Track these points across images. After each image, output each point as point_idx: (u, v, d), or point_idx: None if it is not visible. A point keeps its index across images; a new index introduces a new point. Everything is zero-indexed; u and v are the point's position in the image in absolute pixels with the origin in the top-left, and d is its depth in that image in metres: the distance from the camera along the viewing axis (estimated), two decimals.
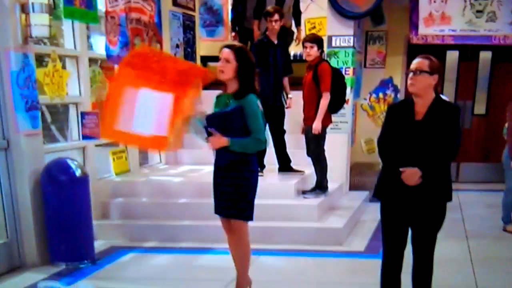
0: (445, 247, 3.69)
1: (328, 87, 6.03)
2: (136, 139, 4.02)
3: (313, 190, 6.35)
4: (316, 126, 6.03)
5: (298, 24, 7.79)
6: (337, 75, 6.25)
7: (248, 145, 3.92)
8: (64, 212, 5.11)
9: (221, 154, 3.97)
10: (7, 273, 5.00)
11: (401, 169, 3.43)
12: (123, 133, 3.90)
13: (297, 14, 7.72)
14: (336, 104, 6.23)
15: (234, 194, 3.97)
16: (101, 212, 6.21)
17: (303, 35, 8.06)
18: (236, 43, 4.26)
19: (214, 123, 3.90)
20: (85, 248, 5.27)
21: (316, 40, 6.16)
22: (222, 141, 3.87)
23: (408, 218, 3.56)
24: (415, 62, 3.49)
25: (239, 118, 3.87)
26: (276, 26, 6.39)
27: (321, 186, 6.35)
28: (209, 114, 3.96)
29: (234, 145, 3.88)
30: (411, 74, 3.48)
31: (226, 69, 3.90)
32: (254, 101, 3.93)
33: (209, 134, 3.91)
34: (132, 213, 6.22)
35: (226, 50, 3.93)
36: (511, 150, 6.02)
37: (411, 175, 3.40)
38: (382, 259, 3.74)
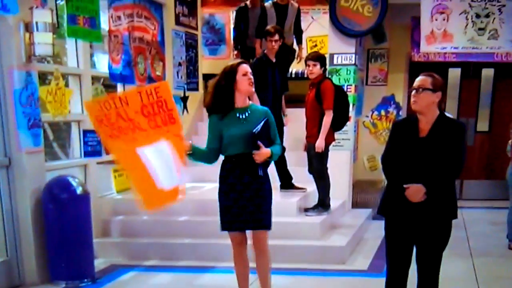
0: (450, 266, 3.60)
1: (331, 105, 6.00)
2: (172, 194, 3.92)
3: (315, 208, 6.27)
4: (319, 144, 5.99)
5: (299, 42, 7.81)
6: (340, 92, 6.22)
7: (278, 152, 4.12)
8: (65, 230, 5.05)
9: (253, 167, 3.99)
10: None
11: (405, 186, 3.38)
12: (165, 193, 3.84)
13: (298, 33, 7.75)
14: (339, 121, 6.20)
15: (266, 205, 4.08)
16: (102, 230, 6.14)
17: (304, 53, 8.08)
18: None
19: (261, 138, 3.98)
20: (85, 266, 5.19)
21: (319, 58, 6.16)
22: (267, 152, 3.99)
23: (413, 235, 3.50)
24: (418, 80, 3.48)
25: (268, 129, 4.05)
26: (276, 45, 6.39)
27: (323, 203, 6.28)
28: (256, 131, 3.98)
29: (274, 155, 4.06)
30: (414, 92, 3.46)
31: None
32: (270, 112, 4.18)
33: (254, 148, 3.94)
34: (133, 231, 6.15)
35: (247, 65, 4.10)
36: None
37: (416, 191, 3.35)
38: (386, 278, 3.67)
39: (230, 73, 4.02)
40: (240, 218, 4.03)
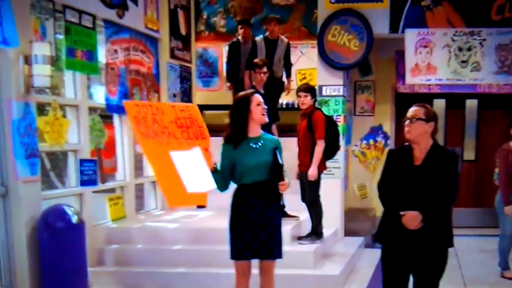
0: None
1: (322, 134, 5.98)
2: (198, 198, 3.94)
3: (308, 236, 6.17)
4: (312, 172, 5.94)
5: (288, 75, 7.90)
6: (330, 122, 6.22)
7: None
8: (60, 259, 4.91)
9: (268, 196, 3.96)
10: None
11: (401, 213, 3.34)
12: (189, 195, 3.82)
13: (288, 66, 7.83)
14: (330, 150, 6.17)
15: (278, 234, 4.06)
16: (97, 258, 5.99)
17: (294, 84, 8.13)
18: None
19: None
20: None
21: (309, 89, 6.18)
22: (289, 183, 4.00)
23: (409, 263, 3.43)
24: (412, 110, 3.49)
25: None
26: (264, 77, 6.43)
27: (316, 232, 6.18)
28: (281, 163, 3.97)
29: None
30: (407, 122, 3.47)
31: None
32: (280, 142, 4.22)
33: (279, 179, 3.91)
34: (127, 260, 6.00)
35: (259, 96, 4.14)
36: (504, 195, 5.92)
37: (412, 218, 3.32)
38: None
39: (244, 103, 4.01)
40: (252, 247, 3.95)
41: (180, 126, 3.80)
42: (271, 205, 3.98)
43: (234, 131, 4.02)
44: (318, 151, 5.97)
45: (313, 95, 6.16)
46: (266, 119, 4.09)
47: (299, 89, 6.26)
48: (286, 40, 7.73)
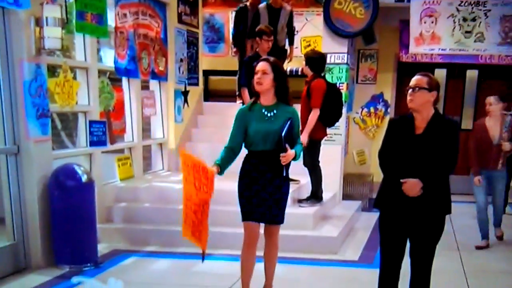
0: (438, 259, 3.50)
1: (317, 103, 5.85)
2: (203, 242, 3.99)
3: (308, 199, 6.17)
4: (302, 139, 5.80)
5: (291, 43, 7.71)
6: (333, 90, 6.10)
7: (300, 153, 3.96)
8: (70, 216, 4.93)
9: (278, 166, 3.86)
10: (13, 274, 4.81)
11: (402, 180, 3.29)
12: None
13: (291, 34, 7.64)
14: (332, 118, 6.07)
15: (284, 201, 4.00)
16: (105, 216, 6.02)
17: (297, 52, 7.97)
18: (268, 57, 4.22)
19: (287, 139, 3.83)
20: (88, 251, 5.08)
21: (307, 59, 6.02)
22: (293, 154, 3.86)
23: (407, 229, 3.41)
24: (414, 79, 3.38)
25: (292, 129, 3.89)
26: (270, 44, 6.30)
27: (316, 195, 6.17)
28: (283, 134, 3.82)
29: (297, 156, 3.92)
30: (410, 91, 3.36)
31: (265, 81, 3.86)
32: (297, 112, 4.02)
33: (281, 150, 3.80)
34: (135, 217, 6.03)
35: (263, 63, 3.94)
36: (473, 167, 5.94)
37: (412, 186, 3.27)
38: (379, 269, 3.57)
39: (251, 71, 3.95)
40: (259, 209, 3.92)
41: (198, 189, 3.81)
42: (280, 172, 3.90)
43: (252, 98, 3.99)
44: (311, 119, 5.85)
45: (311, 66, 5.99)
46: (257, 88, 3.89)
47: (304, 57, 6.15)
48: (289, 8, 7.54)
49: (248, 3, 7.91)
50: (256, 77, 3.88)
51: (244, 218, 3.97)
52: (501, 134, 5.87)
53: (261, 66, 3.89)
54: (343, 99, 7.25)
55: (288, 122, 3.84)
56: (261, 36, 6.32)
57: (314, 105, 5.86)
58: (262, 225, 4.05)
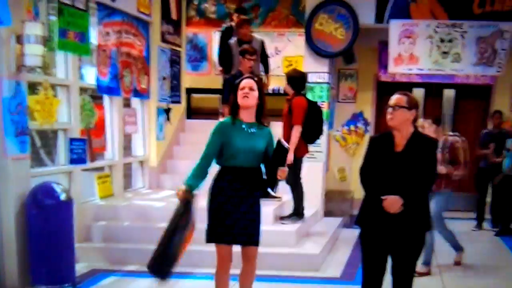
0: (419, 278, 3.47)
1: (299, 120, 5.84)
2: None
3: (290, 216, 6.11)
4: (288, 157, 5.76)
5: (266, 71, 7.48)
6: (314, 108, 6.09)
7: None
8: (47, 235, 4.76)
9: (257, 183, 3.78)
10: None
11: (382, 197, 3.26)
12: None
13: (265, 61, 7.43)
14: (313, 135, 6.06)
15: (258, 220, 3.85)
16: (84, 235, 5.87)
17: (279, 71, 7.94)
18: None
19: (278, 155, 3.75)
20: (66, 271, 4.89)
21: (288, 79, 6.02)
22: (286, 170, 3.79)
23: (388, 245, 3.38)
24: (394, 98, 3.40)
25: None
26: (251, 64, 6.31)
27: (298, 212, 6.12)
28: (283, 146, 3.75)
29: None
30: (390, 109, 3.37)
31: (252, 96, 3.80)
32: (272, 133, 3.97)
33: (282, 164, 3.72)
34: (114, 236, 5.89)
35: (250, 80, 3.87)
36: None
37: (393, 202, 3.24)
38: (361, 286, 3.52)
39: (235, 88, 3.85)
40: (232, 231, 3.72)
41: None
42: (254, 191, 3.79)
43: (231, 113, 3.86)
44: (294, 136, 5.84)
45: (292, 84, 5.97)
46: (246, 103, 3.78)
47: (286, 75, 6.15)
48: (260, 38, 7.28)
49: (233, 23, 7.90)
50: (243, 92, 3.78)
51: (216, 240, 3.77)
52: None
53: (248, 82, 3.83)
54: (324, 117, 7.27)
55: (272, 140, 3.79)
56: (244, 55, 6.36)
57: (295, 122, 5.85)
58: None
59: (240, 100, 3.80)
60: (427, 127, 5.59)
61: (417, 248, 3.38)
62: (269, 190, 3.97)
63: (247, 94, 3.78)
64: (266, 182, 3.85)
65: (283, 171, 3.70)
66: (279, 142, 3.75)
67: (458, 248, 5.93)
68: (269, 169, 3.76)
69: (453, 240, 5.88)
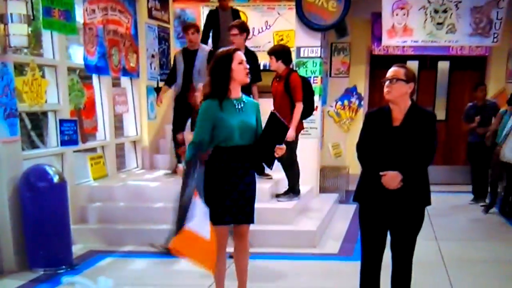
0: (418, 249, 3.52)
1: (301, 97, 5.89)
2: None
3: (286, 194, 6.17)
4: (290, 133, 5.81)
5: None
6: (306, 84, 6.12)
7: None
8: (42, 218, 4.80)
9: (252, 160, 3.69)
10: None
11: (381, 173, 3.27)
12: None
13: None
14: (307, 110, 6.09)
15: (254, 199, 3.77)
16: (79, 216, 5.91)
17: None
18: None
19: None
20: (63, 253, 4.96)
21: (278, 54, 5.93)
22: (284, 147, 3.68)
23: (387, 221, 3.40)
24: (391, 71, 3.37)
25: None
26: (235, 39, 6.15)
27: (293, 189, 6.18)
28: (283, 123, 3.66)
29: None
30: (387, 82, 3.34)
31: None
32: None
33: (280, 142, 3.62)
34: (110, 217, 5.92)
35: (242, 54, 3.69)
36: None
37: (392, 178, 3.25)
38: (361, 262, 3.56)
39: (225, 60, 3.60)
40: (232, 210, 3.64)
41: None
42: (250, 169, 3.72)
43: (215, 90, 3.58)
44: (297, 113, 5.88)
45: (284, 59, 5.93)
46: (247, 80, 3.66)
47: (268, 52, 6.10)
48: (207, 48, 6.80)
49: (218, 5, 7.80)
50: (244, 67, 3.62)
51: (217, 222, 3.59)
52: None
53: (242, 55, 3.67)
54: (318, 92, 7.30)
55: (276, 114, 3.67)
56: (230, 30, 6.34)
57: (298, 99, 5.88)
58: None
59: (241, 77, 3.62)
60: None
61: (417, 223, 3.40)
62: (266, 167, 3.92)
63: (248, 71, 3.65)
64: (263, 159, 3.78)
65: (281, 149, 3.63)
66: (274, 117, 3.63)
67: None
68: (265, 146, 3.66)
69: None
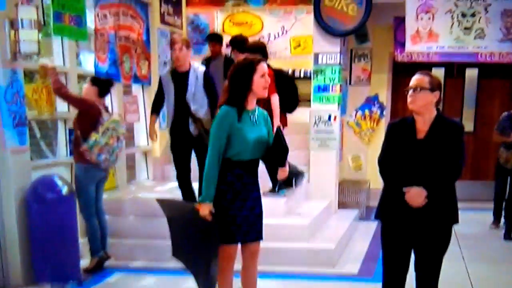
0: (444, 270, 3.49)
1: (272, 89, 5.80)
2: None
3: (278, 188, 6.04)
4: (276, 122, 5.70)
5: (213, 107, 6.67)
6: (282, 77, 6.19)
7: None
8: (50, 231, 4.89)
9: (257, 175, 3.76)
10: None
11: (405, 189, 3.22)
12: None
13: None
14: (290, 104, 6.17)
15: (262, 214, 3.82)
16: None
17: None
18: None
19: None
20: (71, 267, 5.04)
21: (252, 50, 5.86)
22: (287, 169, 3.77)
23: (411, 241, 3.35)
24: (415, 79, 3.33)
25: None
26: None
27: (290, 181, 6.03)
28: (284, 145, 3.66)
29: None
30: (411, 91, 3.31)
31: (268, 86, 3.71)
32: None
33: (282, 164, 3.68)
34: (119, 231, 5.99)
35: (265, 65, 3.72)
36: None
37: (416, 195, 3.20)
38: (382, 283, 3.52)
39: (247, 70, 3.55)
40: (242, 228, 3.65)
41: None
42: (257, 184, 3.75)
43: (233, 99, 3.56)
44: (275, 105, 5.87)
45: (262, 54, 5.87)
46: (266, 94, 3.66)
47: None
48: (201, 68, 5.86)
49: (209, 54, 7.90)
50: (265, 80, 3.62)
51: (228, 241, 3.61)
52: None
53: (265, 67, 3.67)
54: (337, 101, 7.34)
55: (280, 132, 3.67)
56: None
57: (271, 92, 5.65)
58: None
59: (260, 91, 3.62)
60: None
61: (443, 243, 3.33)
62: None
63: (268, 84, 3.66)
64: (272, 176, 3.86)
65: (283, 171, 3.67)
66: (278, 136, 3.64)
67: None
68: (269, 167, 3.75)
69: None
